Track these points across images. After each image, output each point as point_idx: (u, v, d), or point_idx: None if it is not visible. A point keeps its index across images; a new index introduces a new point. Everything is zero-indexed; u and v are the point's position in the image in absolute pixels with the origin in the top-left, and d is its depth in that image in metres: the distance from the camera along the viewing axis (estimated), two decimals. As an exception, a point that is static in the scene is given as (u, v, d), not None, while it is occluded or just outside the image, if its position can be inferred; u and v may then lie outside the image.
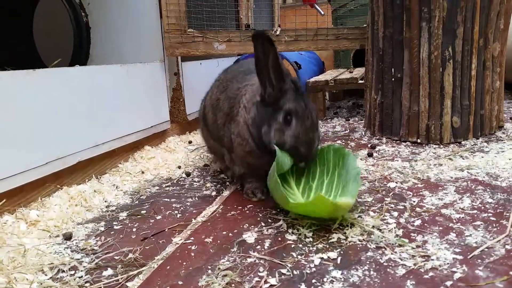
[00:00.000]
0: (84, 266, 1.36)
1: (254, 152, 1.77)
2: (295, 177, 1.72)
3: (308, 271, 1.24)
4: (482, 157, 2.21)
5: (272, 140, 1.65)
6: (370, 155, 2.40)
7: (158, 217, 1.75)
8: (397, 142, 2.67)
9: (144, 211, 1.82)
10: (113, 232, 1.63)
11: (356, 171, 1.63)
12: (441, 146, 2.51)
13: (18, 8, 3.54)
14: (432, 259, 1.25)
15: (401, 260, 1.26)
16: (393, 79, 2.68)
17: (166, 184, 2.18)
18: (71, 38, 3.12)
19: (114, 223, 1.71)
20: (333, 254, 1.32)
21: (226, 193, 2.01)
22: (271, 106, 1.67)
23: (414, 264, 1.23)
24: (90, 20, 3.12)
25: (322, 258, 1.30)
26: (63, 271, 1.33)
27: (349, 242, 1.40)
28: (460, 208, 1.61)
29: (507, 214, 1.53)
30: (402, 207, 1.66)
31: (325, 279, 1.19)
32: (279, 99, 1.67)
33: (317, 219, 1.54)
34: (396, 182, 1.94)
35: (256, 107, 1.73)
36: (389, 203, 1.71)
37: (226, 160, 2.05)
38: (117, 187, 2.13)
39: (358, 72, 4.20)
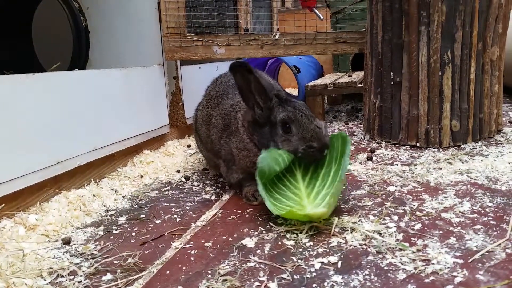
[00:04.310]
0: (83, 271, 1.35)
1: None
2: (303, 167, 1.75)
3: (308, 276, 1.23)
4: (482, 160, 2.21)
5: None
6: (369, 159, 2.40)
7: (158, 222, 1.75)
8: (397, 146, 2.68)
9: (143, 216, 1.82)
10: (112, 236, 1.62)
11: (346, 164, 1.64)
12: (441, 149, 2.51)
13: (17, 12, 3.54)
14: (433, 263, 1.24)
15: (402, 264, 1.26)
16: (392, 83, 2.68)
17: (165, 188, 2.18)
18: (70, 42, 3.13)
19: (113, 227, 1.71)
20: (333, 259, 1.31)
21: (225, 197, 2.01)
22: (267, 125, 1.75)
23: (415, 268, 1.22)
24: (89, 25, 3.13)
25: (322, 263, 1.30)
26: (62, 276, 1.33)
27: (350, 246, 1.40)
28: (460, 212, 1.61)
29: (507, 218, 1.52)
30: (402, 211, 1.65)
31: (325, 284, 1.18)
32: (269, 116, 1.74)
33: (316, 223, 1.54)
34: (396, 186, 1.94)
35: (253, 126, 1.81)
36: (389, 207, 1.70)
37: (222, 171, 2.09)
38: (116, 191, 2.13)
39: (357, 76, 4.20)
